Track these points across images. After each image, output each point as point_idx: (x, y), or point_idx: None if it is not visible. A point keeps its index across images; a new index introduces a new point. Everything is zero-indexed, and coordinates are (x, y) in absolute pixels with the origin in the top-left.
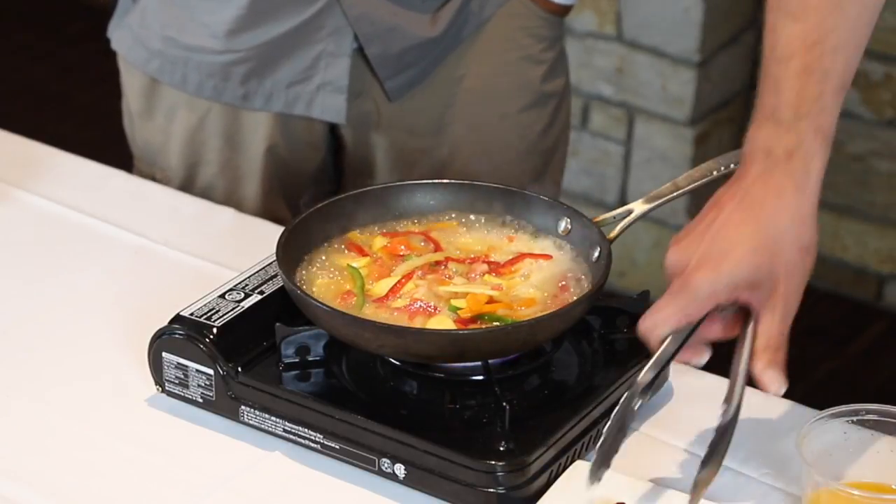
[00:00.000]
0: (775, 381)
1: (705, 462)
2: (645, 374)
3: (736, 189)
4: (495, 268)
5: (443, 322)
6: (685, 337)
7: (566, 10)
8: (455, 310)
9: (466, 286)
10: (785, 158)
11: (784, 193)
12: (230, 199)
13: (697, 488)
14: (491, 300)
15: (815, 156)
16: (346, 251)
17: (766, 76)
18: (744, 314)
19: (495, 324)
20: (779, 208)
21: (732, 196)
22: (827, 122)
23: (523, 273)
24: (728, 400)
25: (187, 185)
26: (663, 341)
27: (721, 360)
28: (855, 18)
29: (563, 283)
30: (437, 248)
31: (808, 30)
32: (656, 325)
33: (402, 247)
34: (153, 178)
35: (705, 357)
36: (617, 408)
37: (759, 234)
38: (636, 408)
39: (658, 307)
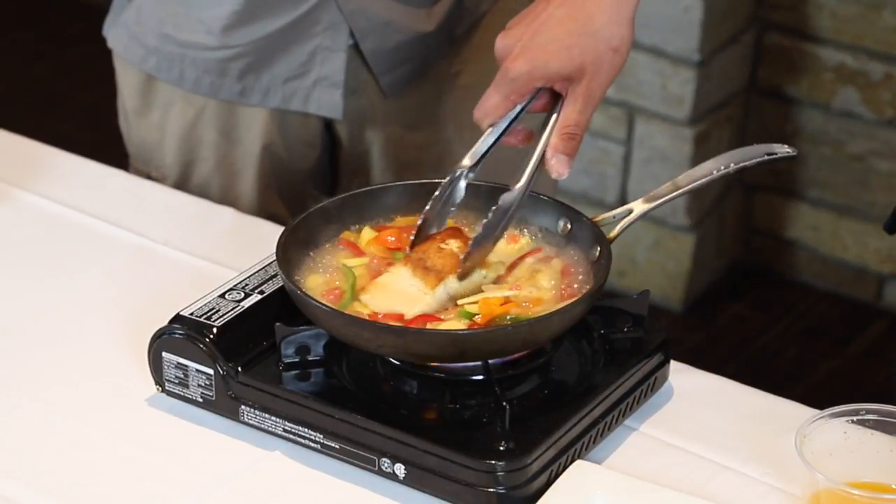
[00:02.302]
0: (561, 164)
1: (482, 238)
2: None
3: None
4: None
5: (457, 327)
6: (511, 120)
7: None
8: (470, 316)
9: (479, 295)
10: None
11: None
12: (226, 196)
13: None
14: (507, 301)
15: None
16: (343, 249)
17: None
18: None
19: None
20: (597, 10)
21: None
22: None
23: (525, 274)
24: (518, 177)
25: (183, 182)
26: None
27: (720, 362)
28: None
29: (563, 283)
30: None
31: None
32: (487, 113)
33: (391, 238)
34: (148, 177)
35: (526, 141)
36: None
37: (575, 32)
38: (462, 187)
39: (486, 97)
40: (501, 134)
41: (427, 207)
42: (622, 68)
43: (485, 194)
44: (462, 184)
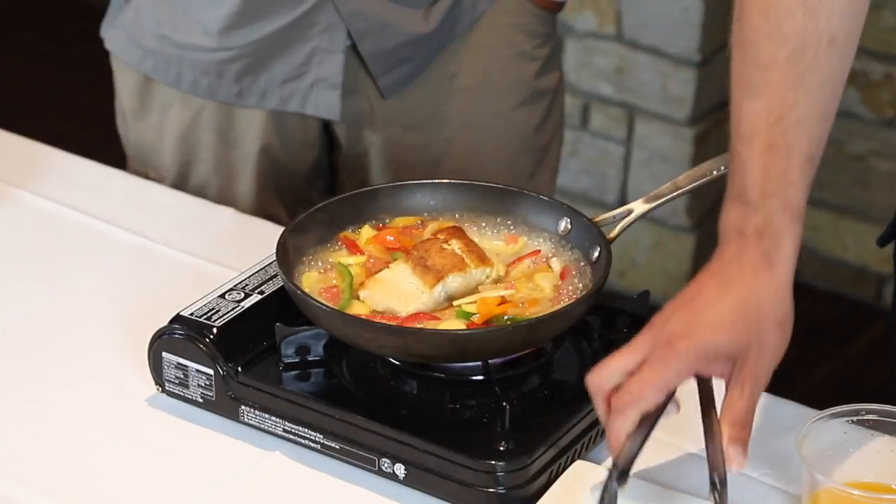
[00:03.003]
0: (737, 457)
1: None
2: (619, 467)
3: (715, 268)
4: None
5: (454, 326)
6: (652, 424)
7: (559, 6)
8: (468, 316)
9: (476, 295)
10: (756, 237)
11: (759, 270)
12: (224, 197)
13: None
14: (503, 301)
15: (786, 233)
16: (343, 249)
17: (733, 155)
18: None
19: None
20: (755, 284)
21: (712, 274)
22: (795, 197)
23: (523, 274)
24: (713, 482)
25: (181, 183)
26: (631, 428)
27: None
28: (817, 90)
29: (563, 283)
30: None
31: (771, 106)
32: (641, 393)
33: (390, 237)
34: (146, 178)
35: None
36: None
37: (738, 308)
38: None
39: (639, 379)
40: (649, 430)
41: None
42: (785, 347)
43: (497, 197)
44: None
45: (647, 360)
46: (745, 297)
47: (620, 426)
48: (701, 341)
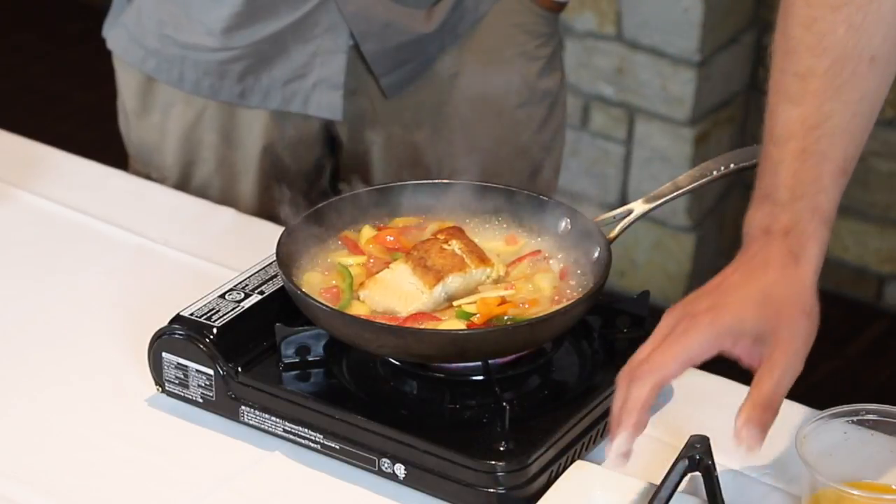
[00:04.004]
0: (754, 438)
1: None
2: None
3: (739, 262)
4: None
5: (454, 326)
6: None
7: (561, 6)
8: (468, 316)
9: (476, 295)
10: (782, 236)
11: (785, 265)
12: (226, 196)
13: None
14: (503, 301)
15: (813, 235)
16: (343, 249)
17: (765, 157)
18: None
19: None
20: (782, 276)
21: (737, 267)
22: (824, 202)
23: (523, 275)
24: None
25: (183, 183)
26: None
27: (721, 362)
28: (855, 104)
29: (562, 283)
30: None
31: (807, 114)
32: (662, 362)
33: (390, 237)
34: (148, 178)
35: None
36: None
37: (764, 292)
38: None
39: (662, 348)
40: None
41: None
42: (813, 339)
43: (498, 197)
44: None
45: (671, 333)
46: (770, 286)
47: (638, 394)
48: (726, 317)
